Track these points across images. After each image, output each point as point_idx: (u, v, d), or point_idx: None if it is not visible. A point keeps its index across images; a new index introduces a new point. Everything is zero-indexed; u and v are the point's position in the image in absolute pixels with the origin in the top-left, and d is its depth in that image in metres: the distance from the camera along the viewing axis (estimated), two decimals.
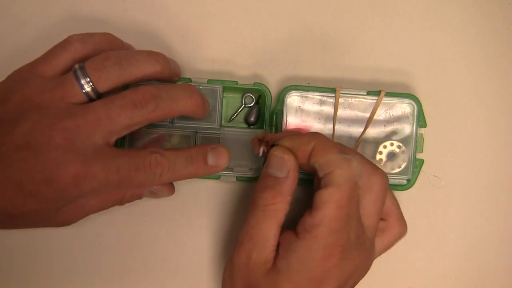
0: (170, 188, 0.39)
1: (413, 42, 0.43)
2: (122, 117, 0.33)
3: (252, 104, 0.41)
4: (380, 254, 0.37)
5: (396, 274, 0.43)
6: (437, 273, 0.43)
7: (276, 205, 0.33)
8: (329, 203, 0.31)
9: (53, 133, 0.31)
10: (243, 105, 0.42)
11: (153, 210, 0.42)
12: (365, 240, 0.33)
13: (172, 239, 0.42)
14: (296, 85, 0.40)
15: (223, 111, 0.41)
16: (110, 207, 0.37)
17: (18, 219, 0.33)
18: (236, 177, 0.40)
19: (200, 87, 0.40)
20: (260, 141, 0.37)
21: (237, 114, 0.42)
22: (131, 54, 0.35)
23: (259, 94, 0.41)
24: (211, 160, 0.35)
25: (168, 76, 0.37)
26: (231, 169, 0.40)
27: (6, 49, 0.42)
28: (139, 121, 0.33)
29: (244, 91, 0.41)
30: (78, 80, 0.33)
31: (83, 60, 0.34)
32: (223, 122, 0.41)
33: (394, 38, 0.43)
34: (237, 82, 0.40)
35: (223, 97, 0.41)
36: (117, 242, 0.42)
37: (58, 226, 0.36)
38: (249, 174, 0.40)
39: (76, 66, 0.34)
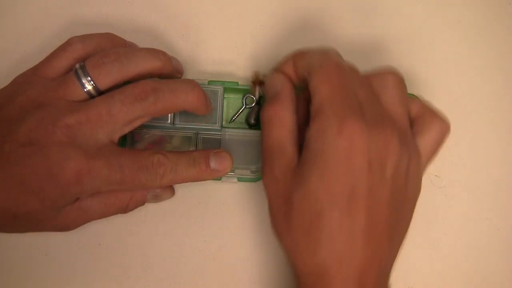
0: (171, 190, 0.39)
1: (413, 42, 0.43)
2: (123, 112, 0.33)
3: (253, 105, 0.41)
4: (429, 157, 0.36)
5: (396, 274, 0.43)
6: (437, 273, 0.43)
7: (280, 113, 0.34)
8: (320, 84, 0.32)
9: (55, 130, 0.32)
10: (244, 106, 0.41)
11: (153, 210, 0.42)
12: (392, 117, 0.33)
13: (172, 239, 0.42)
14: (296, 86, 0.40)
15: (224, 112, 0.41)
16: (113, 214, 0.37)
17: (20, 221, 0.33)
18: (238, 178, 0.40)
19: None
20: (255, 83, 0.39)
21: (238, 115, 0.41)
22: (131, 51, 0.35)
23: (260, 95, 0.41)
24: (213, 164, 0.35)
25: (170, 73, 0.37)
26: (232, 170, 0.40)
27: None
28: (140, 114, 0.33)
29: (245, 91, 0.41)
30: (79, 79, 0.33)
31: (85, 60, 0.34)
32: (224, 123, 0.41)
33: (394, 38, 0.43)
34: (237, 83, 0.40)
35: (223, 98, 0.41)
36: (117, 242, 0.42)
37: (59, 230, 0.36)
38: (250, 175, 0.40)
39: (77, 65, 0.34)
